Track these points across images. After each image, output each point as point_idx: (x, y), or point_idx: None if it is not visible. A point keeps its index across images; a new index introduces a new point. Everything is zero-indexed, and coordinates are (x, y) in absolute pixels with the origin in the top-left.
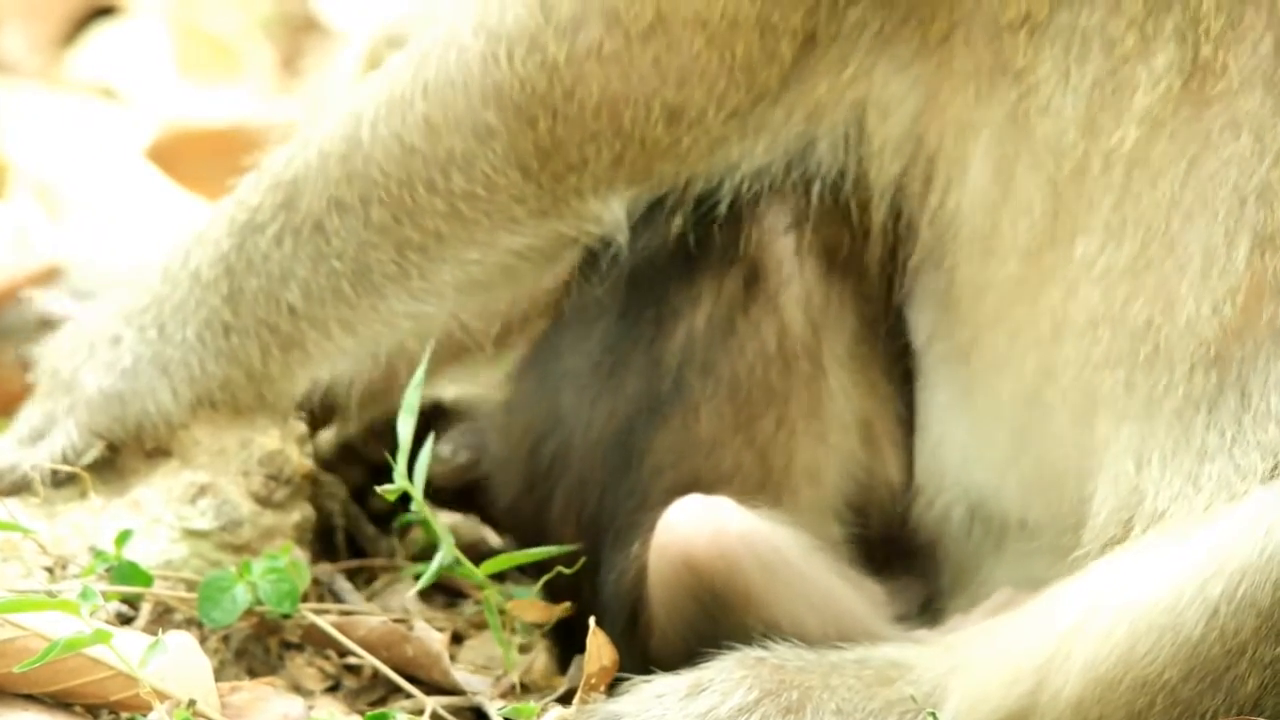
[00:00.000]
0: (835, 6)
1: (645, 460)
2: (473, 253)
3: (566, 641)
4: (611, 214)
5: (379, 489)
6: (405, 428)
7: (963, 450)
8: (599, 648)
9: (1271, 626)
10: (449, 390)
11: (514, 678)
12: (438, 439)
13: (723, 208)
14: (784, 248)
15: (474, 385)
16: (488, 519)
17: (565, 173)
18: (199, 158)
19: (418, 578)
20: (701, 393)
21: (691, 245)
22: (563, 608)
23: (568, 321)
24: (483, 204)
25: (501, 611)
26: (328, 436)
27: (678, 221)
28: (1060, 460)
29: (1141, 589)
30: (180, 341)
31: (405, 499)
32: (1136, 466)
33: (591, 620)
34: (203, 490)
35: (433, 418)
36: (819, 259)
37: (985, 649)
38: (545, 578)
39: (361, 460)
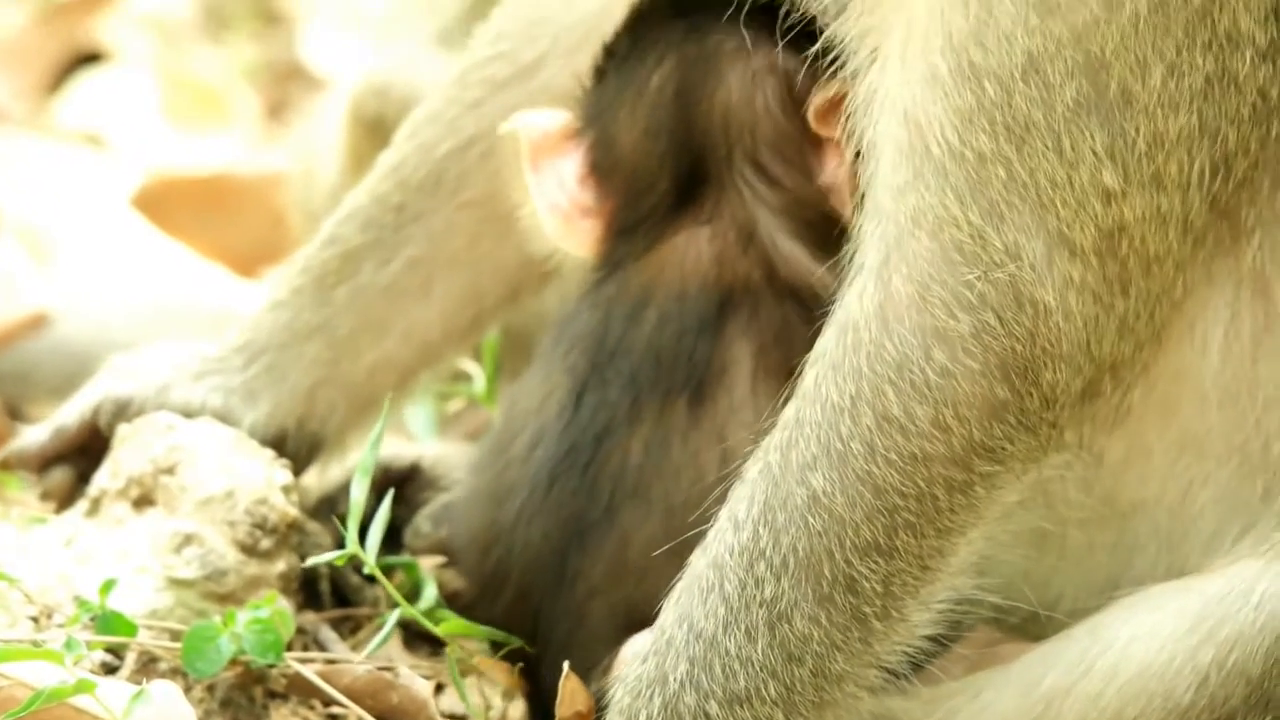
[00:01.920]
0: None
1: (578, 584)
2: (976, 532)
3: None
4: (1074, 439)
5: (324, 557)
6: (358, 490)
7: None
8: (572, 693)
9: (1261, 696)
10: (430, 450)
11: None
12: (418, 509)
13: None
14: (743, 374)
15: (454, 446)
16: None
17: (1057, 416)
18: (185, 205)
19: (402, 625)
20: (632, 520)
21: (643, 371)
22: (517, 673)
23: (520, 429)
24: (999, 478)
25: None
26: (312, 483)
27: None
28: None
29: (1131, 652)
30: None
31: (388, 544)
32: None
33: (565, 664)
34: (188, 539)
35: (409, 479)
36: (777, 380)
37: (969, 704)
38: (502, 652)
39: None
